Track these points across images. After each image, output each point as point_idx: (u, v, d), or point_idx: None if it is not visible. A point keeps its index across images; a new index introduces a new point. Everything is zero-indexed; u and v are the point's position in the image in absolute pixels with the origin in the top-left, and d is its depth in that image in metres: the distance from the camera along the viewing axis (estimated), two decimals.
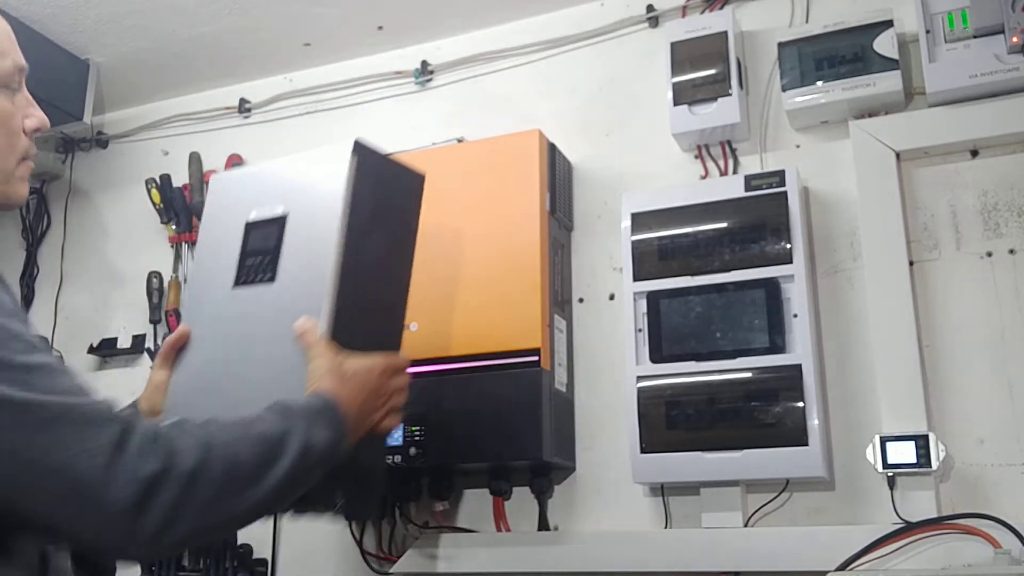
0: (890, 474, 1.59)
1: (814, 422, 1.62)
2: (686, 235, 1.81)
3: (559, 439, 1.82)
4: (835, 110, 1.82)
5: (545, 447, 1.75)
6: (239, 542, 2.13)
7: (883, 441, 1.60)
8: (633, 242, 1.85)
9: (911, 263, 1.72)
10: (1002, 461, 1.61)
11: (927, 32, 1.73)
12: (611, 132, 2.07)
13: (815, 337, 1.71)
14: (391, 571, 1.92)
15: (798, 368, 1.65)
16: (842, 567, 1.55)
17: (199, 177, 2.41)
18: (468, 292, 1.84)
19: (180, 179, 2.41)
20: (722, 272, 1.76)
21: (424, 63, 2.28)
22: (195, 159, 2.42)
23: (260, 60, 2.41)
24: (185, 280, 2.40)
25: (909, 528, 1.56)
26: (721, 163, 1.93)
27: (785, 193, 1.75)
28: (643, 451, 1.73)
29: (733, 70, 1.87)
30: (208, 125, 2.50)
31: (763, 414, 1.65)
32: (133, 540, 0.94)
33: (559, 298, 1.91)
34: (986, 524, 1.51)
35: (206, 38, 2.31)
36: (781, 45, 1.85)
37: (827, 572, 1.53)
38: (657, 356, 1.77)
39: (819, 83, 1.80)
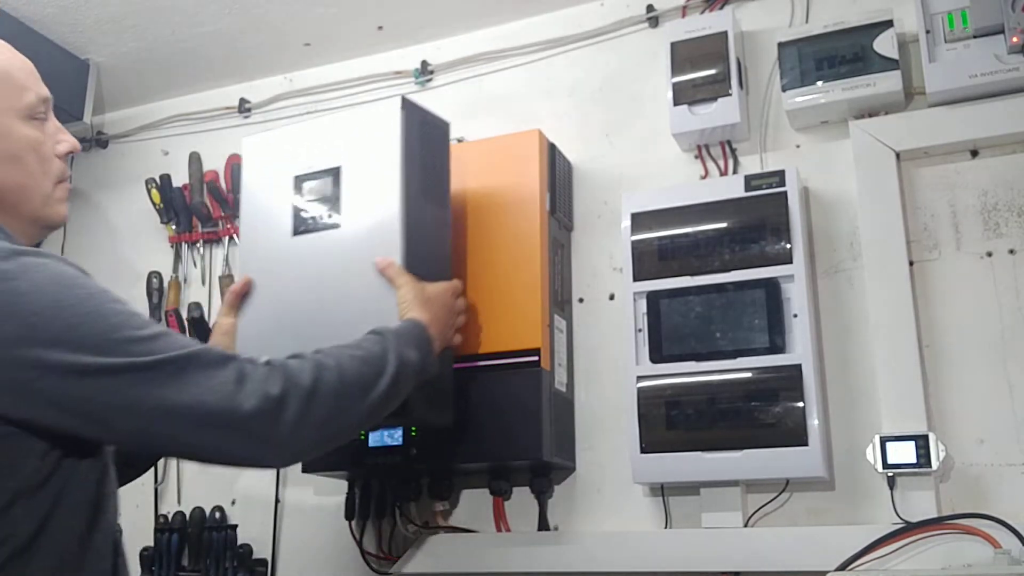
0: (890, 474, 1.59)
1: (814, 422, 1.62)
2: (686, 235, 1.81)
3: (559, 439, 1.82)
4: (835, 110, 1.82)
5: (545, 447, 1.75)
6: (239, 542, 2.13)
7: (883, 441, 1.60)
8: (633, 242, 1.85)
9: (911, 263, 1.72)
10: (1002, 461, 1.61)
11: (927, 32, 1.73)
12: (611, 132, 2.07)
13: (815, 337, 1.71)
14: (391, 571, 1.92)
15: (798, 368, 1.65)
16: (842, 567, 1.55)
17: (199, 177, 2.41)
18: (468, 292, 1.84)
19: (180, 179, 2.41)
20: (722, 272, 1.76)
21: (424, 63, 2.28)
22: (195, 159, 2.42)
23: (260, 60, 2.41)
24: (185, 280, 2.41)
25: (909, 528, 1.56)
26: (721, 163, 1.93)
27: (785, 193, 1.75)
28: (643, 451, 1.73)
29: (733, 70, 1.87)
30: (208, 125, 2.50)
31: (763, 414, 1.65)
32: (268, 451, 1.14)
33: (559, 298, 1.91)
34: (986, 524, 1.51)
35: (206, 38, 2.31)
36: (781, 45, 1.85)
37: (827, 572, 1.53)
38: (657, 356, 1.77)
39: (819, 83, 1.80)
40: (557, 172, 1.96)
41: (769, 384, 1.67)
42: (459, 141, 2.09)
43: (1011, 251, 1.69)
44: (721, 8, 2.00)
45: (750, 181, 1.79)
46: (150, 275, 2.39)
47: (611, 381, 1.89)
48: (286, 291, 1.64)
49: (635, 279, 1.82)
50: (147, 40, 2.31)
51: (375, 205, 1.61)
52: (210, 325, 2.17)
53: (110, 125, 2.64)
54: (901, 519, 1.58)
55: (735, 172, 1.92)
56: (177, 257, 2.41)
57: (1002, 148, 1.74)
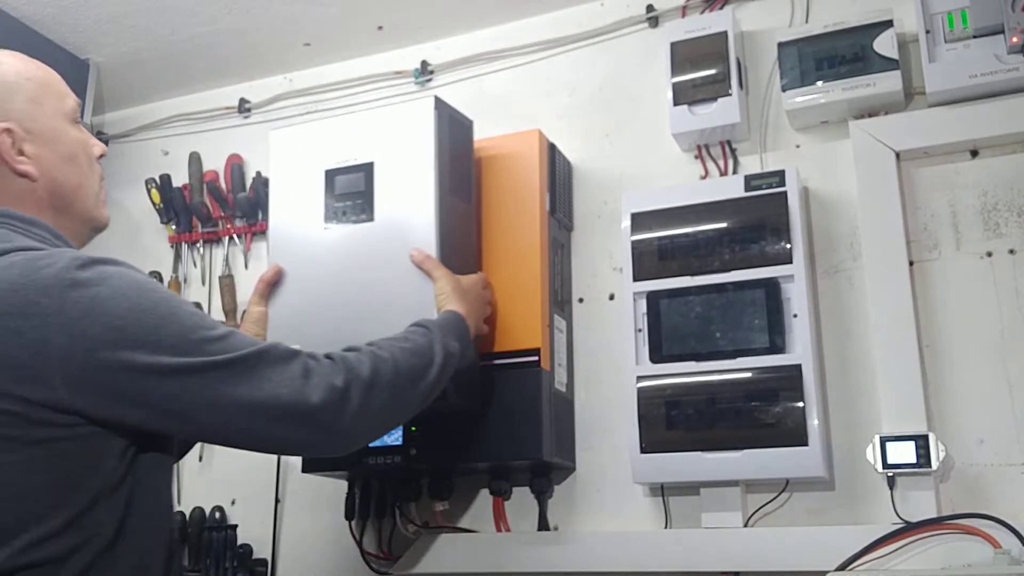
0: (890, 474, 1.59)
1: (814, 422, 1.62)
2: (686, 235, 1.81)
3: (559, 439, 1.82)
4: (835, 110, 1.82)
5: (545, 447, 1.75)
6: (239, 542, 2.13)
7: (883, 441, 1.60)
8: (633, 242, 1.85)
9: (911, 263, 1.72)
10: (1002, 461, 1.61)
11: (927, 32, 1.73)
12: (611, 132, 2.07)
13: (815, 337, 1.71)
14: (391, 571, 1.93)
15: (798, 368, 1.65)
16: (842, 567, 1.55)
17: (199, 177, 2.41)
18: None
19: (180, 179, 2.41)
20: (722, 272, 1.76)
21: (424, 63, 2.28)
22: (195, 159, 2.42)
23: (260, 60, 2.41)
24: (185, 280, 2.41)
25: (909, 528, 1.56)
26: (721, 163, 1.93)
27: (785, 193, 1.75)
28: (643, 451, 1.73)
29: (733, 70, 1.87)
30: (208, 125, 2.50)
31: (763, 414, 1.65)
32: (334, 439, 1.22)
33: (559, 298, 1.91)
34: (986, 524, 1.51)
35: (206, 38, 2.31)
36: (781, 45, 1.85)
37: (827, 572, 1.53)
38: (657, 356, 1.77)
39: (819, 83, 1.80)
40: (557, 172, 1.96)
41: (769, 384, 1.67)
42: None
43: (1011, 251, 1.69)
44: (721, 8, 2.00)
45: (750, 181, 1.79)
46: (150, 275, 2.38)
47: (611, 381, 1.89)
48: (317, 281, 1.70)
49: (635, 279, 1.82)
50: (147, 40, 2.31)
51: (409, 199, 1.68)
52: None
53: (110, 125, 2.63)
54: (901, 519, 1.58)
55: (735, 172, 1.92)
56: (177, 257, 2.41)
57: (1002, 148, 1.74)
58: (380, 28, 2.27)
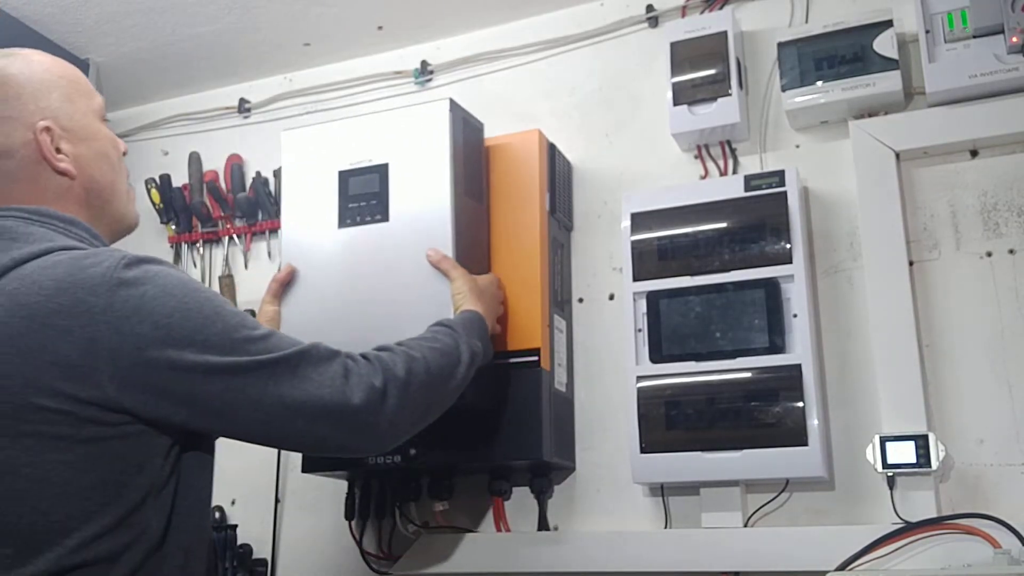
0: (890, 474, 1.59)
1: (814, 422, 1.62)
2: (686, 235, 1.81)
3: (559, 439, 1.82)
4: (835, 110, 1.82)
5: (545, 447, 1.75)
6: (239, 542, 2.13)
7: (883, 441, 1.60)
8: (633, 242, 1.85)
9: (911, 263, 1.72)
10: (1002, 461, 1.61)
11: (927, 32, 1.73)
12: (611, 132, 2.07)
13: (815, 337, 1.71)
14: (391, 571, 1.93)
15: (798, 368, 1.65)
16: (842, 567, 1.55)
17: (199, 177, 2.40)
18: None
19: (180, 179, 2.41)
20: (722, 272, 1.76)
21: (424, 63, 2.28)
22: (195, 159, 2.42)
23: (260, 60, 2.41)
24: (192, 279, 2.41)
25: (909, 528, 1.56)
26: (721, 163, 1.93)
27: (785, 193, 1.75)
28: (643, 451, 1.73)
29: (733, 70, 1.87)
30: (208, 125, 2.50)
31: (763, 414, 1.65)
32: (373, 439, 1.23)
33: (559, 298, 1.91)
34: (986, 524, 1.51)
35: (206, 38, 2.31)
36: (781, 45, 1.85)
37: (827, 572, 1.53)
38: (657, 356, 1.77)
39: (819, 83, 1.80)
40: (557, 172, 1.96)
41: (769, 384, 1.67)
42: None
43: (1011, 251, 1.69)
44: (721, 8, 2.00)
45: (750, 181, 1.79)
46: None
47: (611, 381, 1.89)
48: (332, 281, 1.72)
49: (635, 279, 1.82)
50: (147, 40, 2.31)
51: (424, 200, 1.70)
52: None
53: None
54: (901, 519, 1.58)
55: (735, 172, 1.92)
56: (177, 257, 2.41)
57: (1002, 148, 1.74)
58: (380, 28, 2.27)
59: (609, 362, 1.91)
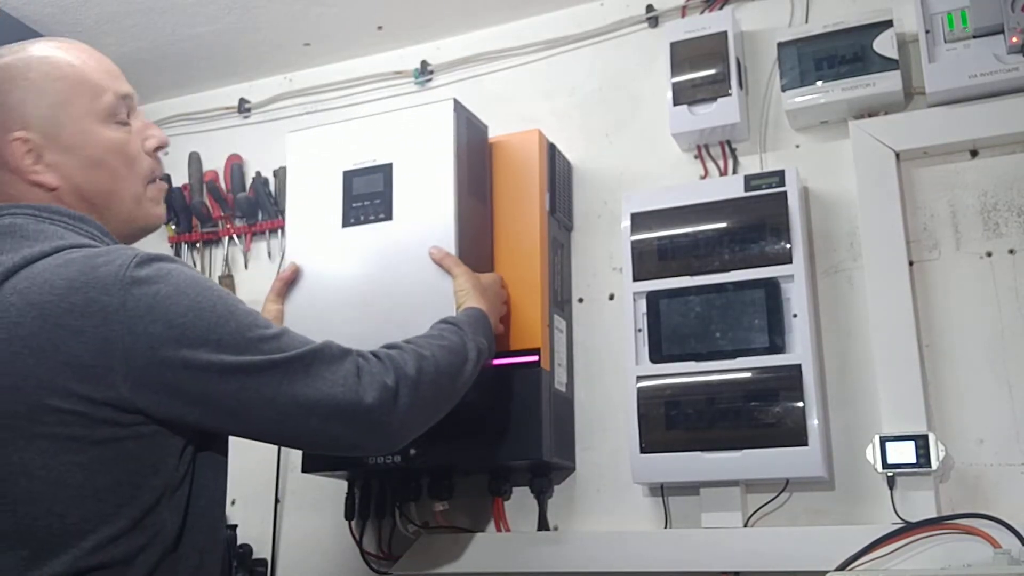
0: (890, 474, 1.59)
1: (814, 422, 1.62)
2: (686, 235, 1.81)
3: (559, 439, 1.82)
4: (835, 110, 1.82)
5: (545, 447, 1.75)
6: (239, 542, 2.13)
7: (883, 441, 1.60)
8: (633, 242, 1.85)
9: (911, 263, 1.72)
10: (1002, 461, 1.61)
11: (927, 32, 1.73)
12: (611, 132, 2.07)
13: (815, 337, 1.71)
14: (391, 571, 1.93)
15: (798, 368, 1.65)
16: (842, 567, 1.55)
17: (199, 177, 2.41)
18: None
19: (180, 179, 2.41)
20: (722, 272, 1.76)
21: (424, 63, 2.28)
22: (195, 159, 2.42)
23: (260, 60, 2.41)
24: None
25: (909, 528, 1.56)
26: (721, 163, 1.93)
27: (785, 193, 1.75)
28: (643, 451, 1.73)
29: (733, 70, 1.87)
30: (208, 125, 2.50)
31: (763, 414, 1.65)
32: (385, 437, 1.23)
33: (559, 298, 1.91)
34: (986, 524, 1.51)
35: (206, 38, 2.31)
36: (781, 45, 1.85)
37: (827, 572, 1.53)
38: (657, 356, 1.77)
39: (819, 83, 1.80)
40: (557, 172, 1.96)
41: (769, 384, 1.67)
42: None
43: (1011, 251, 1.69)
44: (721, 8, 2.00)
45: (750, 181, 1.79)
46: None
47: (611, 381, 1.89)
48: (335, 280, 1.74)
49: (635, 279, 1.82)
50: (147, 40, 2.31)
51: (428, 200, 1.71)
52: None
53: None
54: (901, 519, 1.58)
55: (735, 172, 1.92)
56: (177, 257, 2.41)
57: (1002, 148, 1.74)
58: (380, 28, 2.27)
59: (609, 362, 1.91)
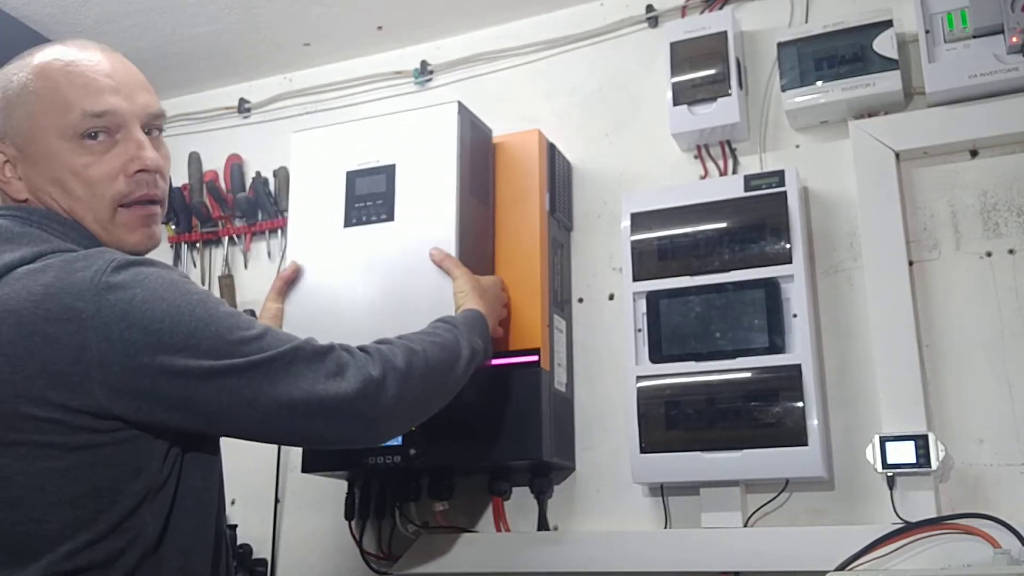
0: (890, 474, 1.59)
1: (814, 422, 1.62)
2: (686, 235, 1.81)
3: (559, 439, 1.82)
4: (835, 110, 1.82)
5: (545, 447, 1.75)
6: (239, 542, 2.13)
7: (883, 441, 1.60)
8: (633, 242, 1.85)
9: (911, 263, 1.72)
10: (1002, 461, 1.61)
11: (927, 32, 1.73)
12: (611, 132, 2.07)
13: (815, 337, 1.71)
14: (391, 571, 1.92)
15: (798, 368, 1.65)
16: (842, 567, 1.55)
17: (199, 177, 2.40)
18: None
19: (180, 179, 2.41)
20: (721, 272, 1.76)
21: (424, 63, 2.28)
22: (195, 159, 2.42)
23: (260, 60, 2.41)
24: (186, 279, 2.40)
25: (909, 528, 1.56)
26: (721, 163, 1.93)
27: (785, 193, 1.75)
28: (643, 451, 1.73)
29: (733, 70, 1.87)
30: (208, 125, 2.50)
31: (763, 414, 1.65)
32: (372, 429, 1.22)
33: (559, 298, 1.91)
34: (986, 524, 1.51)
35: (206, 38, 2.31)
36: (781, 45, 1.85)
37: (827, 572, 1.53)
38: (657, 356, 1.77)
39: (819, 83, 1.80)
40: (557, 172, 1.96)
41: (769, 384, 1.67)
42: None
43: (1011, 251, 1.69)
44: (721, 8, 2.00)
45: (750, 181, 1.79)
46: None
47: (611, 381, 1.89)
48: (336, 279, 1.74)
49: (635, 279, 1.82)
50: (147, 40, 2.31)
51: (431, 201, 1.72)
52: None
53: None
54: (901, 519, 1.58)
55: (735, 172, 1.92)
56: (176, 257, 2.41)
57: (1002, 148, 1.74)
58: (380, 28, 2.27)
59: (609, 362, 1.91)
